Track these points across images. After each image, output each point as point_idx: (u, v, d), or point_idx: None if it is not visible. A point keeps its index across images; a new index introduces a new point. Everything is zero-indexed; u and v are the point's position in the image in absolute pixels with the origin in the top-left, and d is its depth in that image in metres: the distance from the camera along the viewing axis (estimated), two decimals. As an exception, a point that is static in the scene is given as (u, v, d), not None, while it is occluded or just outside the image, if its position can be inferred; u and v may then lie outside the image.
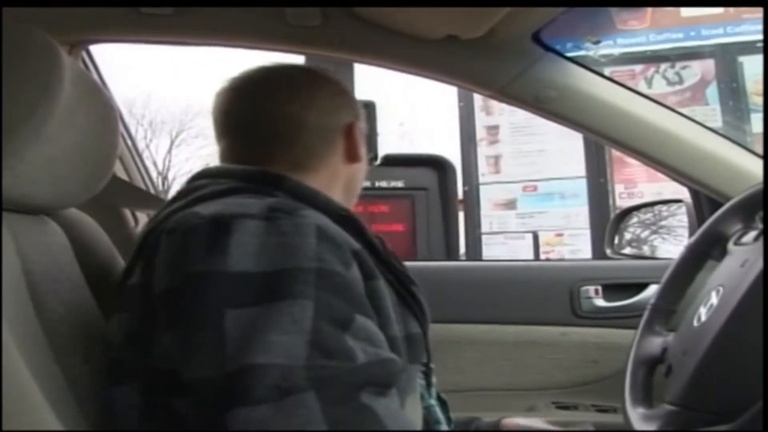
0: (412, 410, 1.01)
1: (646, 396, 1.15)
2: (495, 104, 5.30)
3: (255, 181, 0.99)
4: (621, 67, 5.19)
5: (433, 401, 1.13)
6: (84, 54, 1.79)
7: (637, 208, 2.22)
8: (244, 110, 1.09)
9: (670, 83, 5.17)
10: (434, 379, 1.17)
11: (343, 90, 1.15)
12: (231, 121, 1.10)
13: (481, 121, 5.48)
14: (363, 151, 1.13)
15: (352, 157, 1.11)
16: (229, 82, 1.11)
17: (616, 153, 4.99)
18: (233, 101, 1.10)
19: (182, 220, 0.88)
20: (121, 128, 1.18)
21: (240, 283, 0.78)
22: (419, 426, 1.05)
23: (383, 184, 3.32)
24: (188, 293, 0.80)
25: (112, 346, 0.88)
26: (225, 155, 1.10)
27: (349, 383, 0.75)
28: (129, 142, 2.05)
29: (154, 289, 0.84)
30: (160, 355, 0.81)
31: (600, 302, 1.82)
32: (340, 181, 1.11)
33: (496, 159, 5.46)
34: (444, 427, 1.13)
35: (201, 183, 0.99)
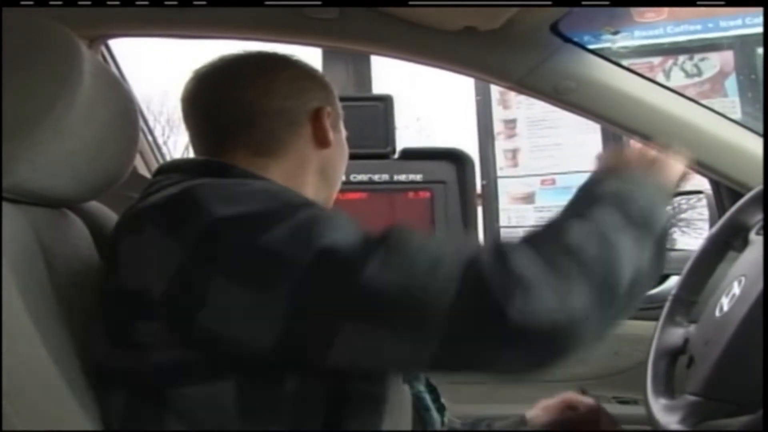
0: (399, 399, 0.98)
1: (668, 387, 1.15)
2: (512, 98, 5.27)
3: (201, 172, 0.98)
4: (639, 60, 5.13)
5: (422, 387, 1.12)
6: (103, 48, 1.80)
7: (656, 199, 2.20)
8: (204, 98, 1.09)
9: (688, 75, 5.11)
10: None
11: (310, 75, 1.12)
12: (193, 109, 1.10)
13: (498, 114, 5.43)
14: (335, 136, 1.11)
15: (321, 142, 1.09)
16: (194, 71, 1.11)
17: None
18: (195, 90, 1.09)
19: (136, 209, 0.90)
20: (141, 124, 1.18)
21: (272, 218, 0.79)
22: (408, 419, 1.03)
23: (401, 177, 3.30)
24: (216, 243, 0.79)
25: (97, 351, 0.87)
26: (192, 144, 1.11)
27: None
28: (149, 138, 2.06)
29: (153, 293, 0.81)
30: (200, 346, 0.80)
31: (620, 294, 1.81)
32: (310, 167, 1.09)
33: (514, 153, 5.42)
34: (434, 413, 1.12)
35: (155, 179, 0.99)
